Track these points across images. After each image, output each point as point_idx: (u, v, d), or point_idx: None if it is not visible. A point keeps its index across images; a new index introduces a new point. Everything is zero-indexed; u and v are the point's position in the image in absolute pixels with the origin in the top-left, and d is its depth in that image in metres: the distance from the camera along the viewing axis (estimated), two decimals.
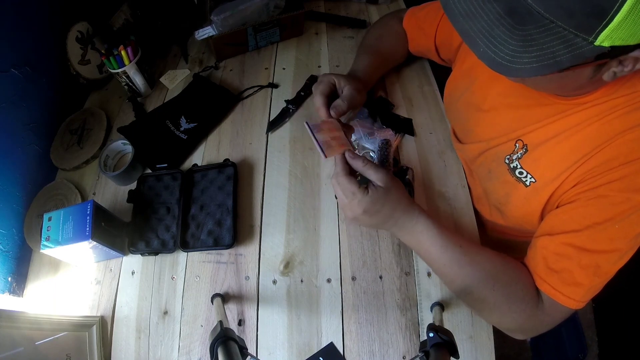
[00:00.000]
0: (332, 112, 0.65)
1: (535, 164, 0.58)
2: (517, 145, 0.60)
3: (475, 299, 0.57)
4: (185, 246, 0.69)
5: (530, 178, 0.58)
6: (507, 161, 0.62)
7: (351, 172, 0.58)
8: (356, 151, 0.78)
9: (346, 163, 0.58)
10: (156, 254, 0.70)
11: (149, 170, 0.79)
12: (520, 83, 0.55)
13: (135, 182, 0.78)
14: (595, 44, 0.36)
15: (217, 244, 0.69)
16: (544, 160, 0.57)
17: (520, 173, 0.59)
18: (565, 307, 0.52)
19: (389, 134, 0.78)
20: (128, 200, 0.74)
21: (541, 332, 0.55)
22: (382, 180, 0.56)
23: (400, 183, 0.59)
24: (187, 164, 0.80)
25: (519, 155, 0.60)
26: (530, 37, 0.38)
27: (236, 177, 0.75)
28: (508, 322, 0.56)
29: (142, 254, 0.70)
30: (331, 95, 0.69)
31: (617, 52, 0.38)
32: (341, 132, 0.62)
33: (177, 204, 0.73)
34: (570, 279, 0.51)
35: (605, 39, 0.36)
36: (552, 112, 0.55)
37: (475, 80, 0.67)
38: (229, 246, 0.68)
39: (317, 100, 0.68)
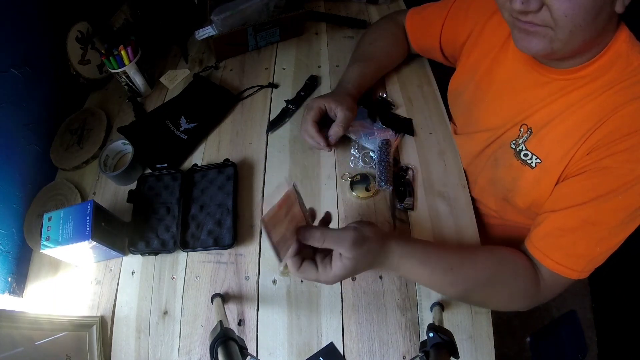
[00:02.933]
0: (331, 139, 0.70)
1: (540, 144, 0.58)
2: (521, 129, 0.61)
3: (478, 301, 0.58)
4: (185, 246, 0.69)
5: (535, 159, 0.59)
6: (512, 146, 0.63)
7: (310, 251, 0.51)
8: (355, 150, 0.78)
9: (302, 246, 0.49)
10: (156, 254, 0.70)
11: (149, 171, 0.79)
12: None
13: (135, 182, 0.77)
14: None
15: (217, 244, 0.69)
16: (548, 139, 0.57)
17: (525, 155, 0.60)
18: (567, 278, 0.54)
19: (389, 134, 0.78)
20: (128, 200, 0.74)
21: (541, 304, 0.58)
22: (348, 247, 0.47)
23: (364, 229, 0.50)
24: (187, 164, 0.80)
25: (525, 139, 0.61)
26: None
27: (236, 177, 0.75)
28: (513, 308, 0.59)
29: (142, 254, 0.70)
30: (322, 120, 0.71)
31: None
32: (296, 205, 0.48)
33: (177, 204, 0.73)
34: (572, 251, 0.53)
35: None
36: (553, 91, 0.56)
37: (478, 71, 0.68)
38: (229, 246, 0.68)
39: (309, 130, 0.70)
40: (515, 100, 0.62)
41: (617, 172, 0.50)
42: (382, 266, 0.54)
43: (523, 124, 0.61)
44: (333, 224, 0.70)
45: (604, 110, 0.51)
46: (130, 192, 0.75)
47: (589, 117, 0.53)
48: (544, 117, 0.58)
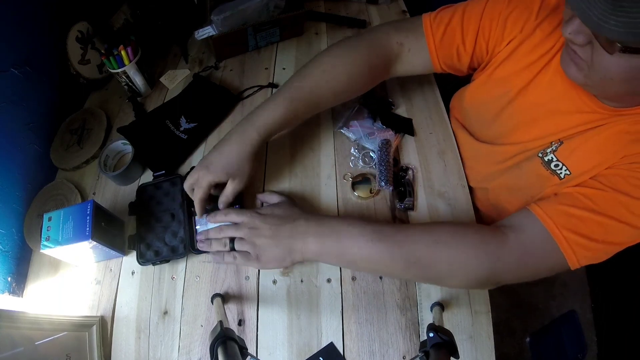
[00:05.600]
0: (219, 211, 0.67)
1: (572, 155, 0.58)
2: (552, 142, 0.61)
3: (426, 265, 0.55)
4: (196, 249, 0.68)
5: (565, 170, 0.59)
6: (540, 155, 0.62)
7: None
8: (355, 150, 0.78)
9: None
10: (167, 261, 0.68)
11: (149, 170, 0.79)
12: (591, 85, 0.51)
13: (135, 191, 0.75)
14: None
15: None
16: (580, 152, 0.57)
17: (556, 165, 0.60)
18: (563, 256, 0.52)
19: (389, 134, 0.78)
20: (130, 213, 0.73)
21: (516, 276, 0.54)
22: (277, 199, 0.69)
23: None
24: (186, 168, 0.80)
25: (554, 148, 0.60)
26: (619, 4, 0.38)
27: None
28: (474, 274, 0.54)
29: (153, 264, 0.68)
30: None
31: None
32: None
33: (180, 208, 0.72)
34: (582, 227, 0.51)
35: None
36: (594, 119, 0.56)
37: (511, 91, 0.65)
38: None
39: (197, 210, 0.67)
40: (553, 122, 0.61)
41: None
42: (318, 225, 0.60)
43: (555, 141, 0.61)
44: None
45: (638, 130, 0.52)
46: (131, 204, 0.74)
47: (624, 135, 0.53)
48: (577, 129, 0.58)
